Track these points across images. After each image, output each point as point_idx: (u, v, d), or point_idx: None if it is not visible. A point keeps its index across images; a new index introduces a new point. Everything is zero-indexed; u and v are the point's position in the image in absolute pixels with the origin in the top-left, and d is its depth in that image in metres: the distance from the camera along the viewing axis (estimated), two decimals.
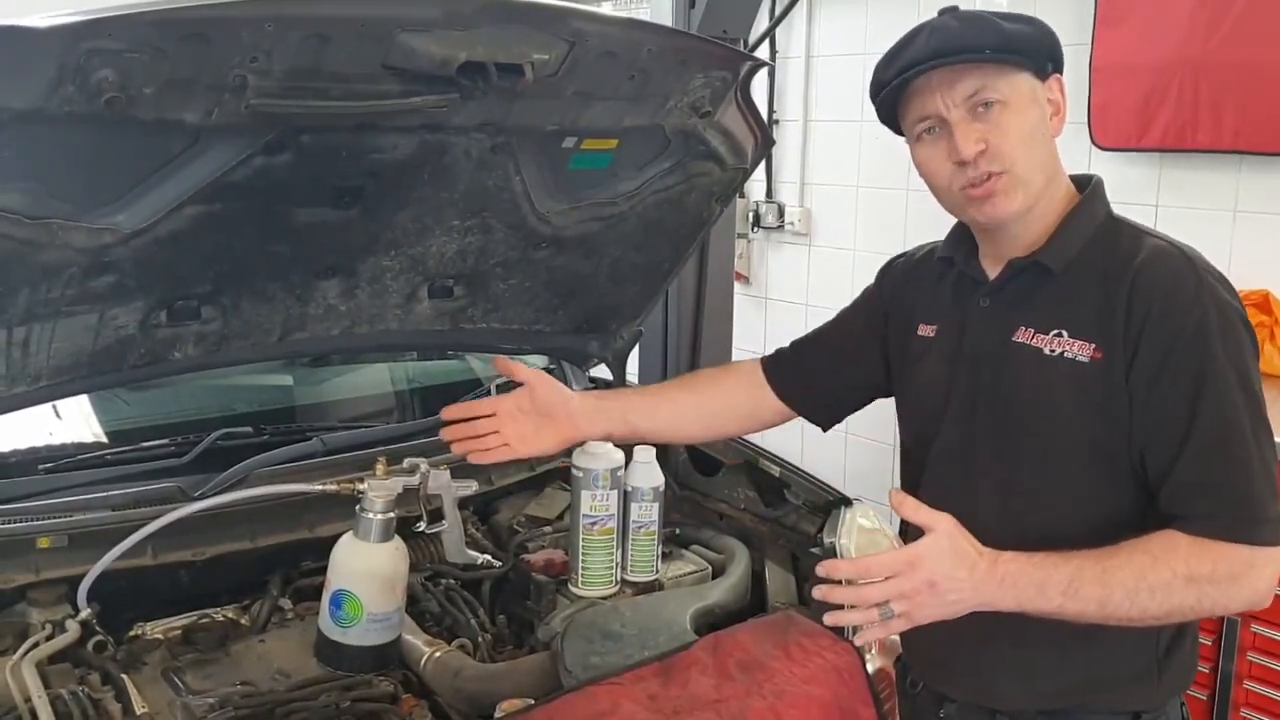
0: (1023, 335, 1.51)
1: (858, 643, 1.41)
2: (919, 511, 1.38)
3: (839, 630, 1.96)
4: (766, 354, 1.90)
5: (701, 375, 1.95)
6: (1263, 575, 1.38)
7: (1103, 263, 1.47)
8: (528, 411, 1.80)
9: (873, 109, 1.56)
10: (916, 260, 1.76)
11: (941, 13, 1.49)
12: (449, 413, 1.82)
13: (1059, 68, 1.51)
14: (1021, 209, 1.49)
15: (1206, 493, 1.39)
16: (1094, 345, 1.44)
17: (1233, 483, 1.38)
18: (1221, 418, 1.39)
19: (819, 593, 1.37)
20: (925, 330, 1.67)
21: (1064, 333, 1.47)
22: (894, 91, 1.49)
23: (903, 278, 1.76)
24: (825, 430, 1.89)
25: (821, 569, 1.38)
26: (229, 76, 1.53)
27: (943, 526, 1.36)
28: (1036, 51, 1.47)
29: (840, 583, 1.38)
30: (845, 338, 1.82)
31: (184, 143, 1.64)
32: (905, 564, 1.34)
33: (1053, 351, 1.47)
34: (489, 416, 1.79)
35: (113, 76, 1.44)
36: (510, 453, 1.79)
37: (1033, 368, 1.49)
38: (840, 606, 1.37)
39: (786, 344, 1.90)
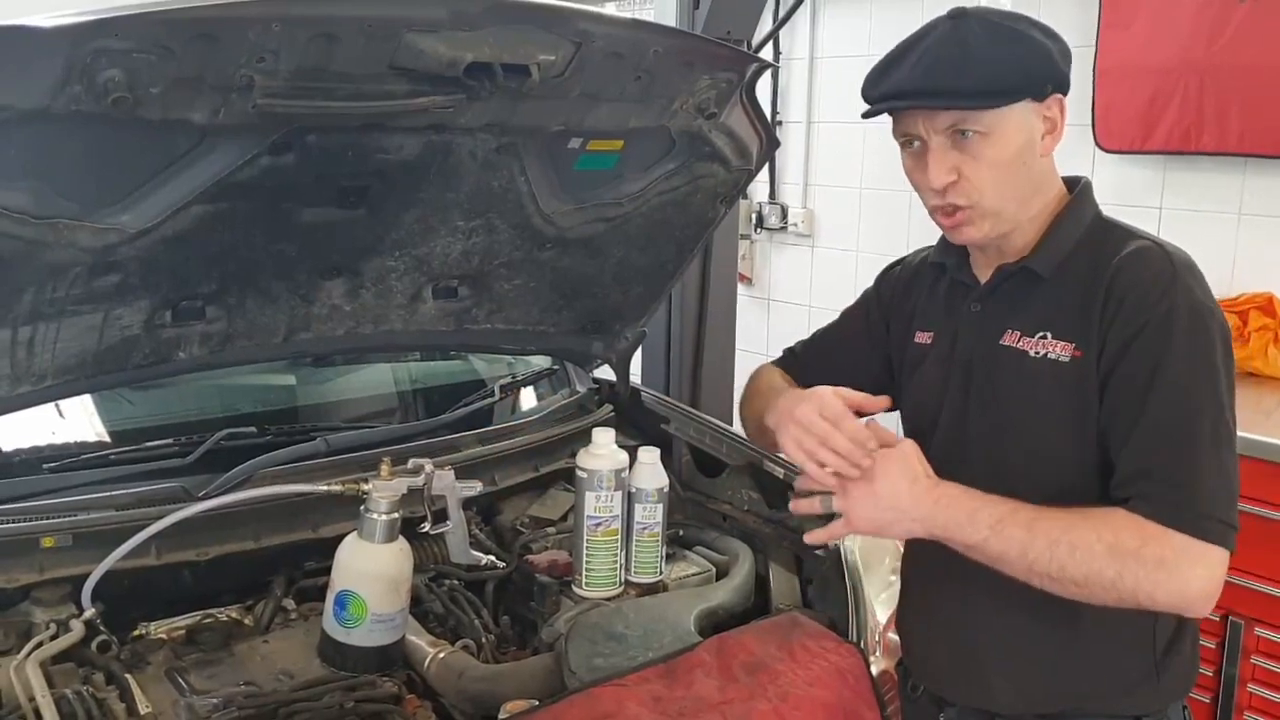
0: (1010, 339, 1.52)
1: (807, 540, 1.55)
2: (883, 433, 1.48)
3: (842, 632, 1.97)
4: (778, 358, 1.89)
5: (779, 380, 1.86)
6: (1195, 571, 1.34)
7: (1088, 265, 1.48)
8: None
9: None
10: (913, 267, 1.76)
11: (952, 15, 1.47)
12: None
13: (1060, 87, 1.49)
14: (989, 236, 1.51)
15: (1148, 477, 1.38)
16: (1074, 345, 1.45)
17: (1176, 471, 1.37)
18: (1174, 409, 1.38)
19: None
20: (922, 337, 1.68)
21: (1048, 334, 1.48)
22: (873, 113, 1.51)
23: (901, 286, 1.76)
24: None
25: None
26: (236, 76, 1.53)
27: (904, 446, 1.47)
28: (1027, 83, 1.45)
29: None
30: (848, 349, 1.82)
31: (190, 142, 1.64)
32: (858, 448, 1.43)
33: (1037, 353, 1.49)
34: None
35: (120, 76, 1.44)
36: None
37: (1018, 370, 1.50)
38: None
39: (791, 354, 1.90)
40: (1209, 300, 1.44)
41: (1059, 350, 1.46)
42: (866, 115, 1.53)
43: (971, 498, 1.41)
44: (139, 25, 1.43)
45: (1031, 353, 1.49)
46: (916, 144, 1.49)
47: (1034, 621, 1.49)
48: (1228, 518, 1.36)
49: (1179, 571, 1.34)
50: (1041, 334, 1.49)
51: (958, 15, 1.47)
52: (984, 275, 1.59)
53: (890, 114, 1.51)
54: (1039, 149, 1.49)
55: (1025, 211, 1.51)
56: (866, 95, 1.51)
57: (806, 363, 1.86)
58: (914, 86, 1.43)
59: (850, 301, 1.88)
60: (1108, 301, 1.43)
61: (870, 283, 1.85)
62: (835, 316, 1.90)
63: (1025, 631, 1.50)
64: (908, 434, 1.71)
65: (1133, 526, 1.35)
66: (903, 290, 1.75)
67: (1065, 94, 1.50)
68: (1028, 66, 1.45)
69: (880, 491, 1.42)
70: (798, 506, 1.55)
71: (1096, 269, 1.46)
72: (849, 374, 1.78)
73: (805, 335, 1.94)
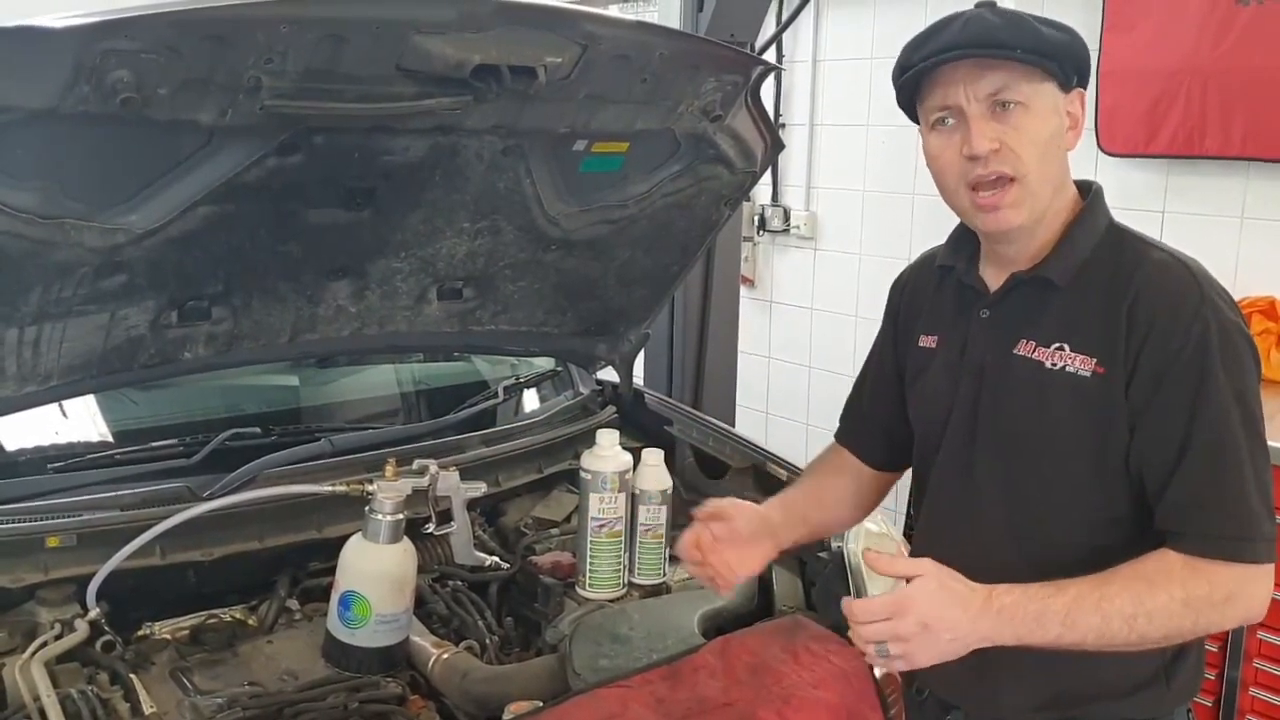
0: (1024, 348, 1.50)
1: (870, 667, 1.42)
2: (895, 564, 1.40)
3: (845, 636, 1.96)
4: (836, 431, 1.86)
5: (828, 462, 1.87)
6: (1256, 593, 1.38)
7: (1105, 276, 1.47)
8: (727, 541, 1.68)
9: (880, 113, 1.56)
10: (917, 269, 1.75)
11: (979, 5, 1.47)
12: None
13: (1083, 82, 1.50)
14: (1027, 222, 1.48)
15: (1201, 510, 1.38)
16: (1095, 360, 1.43)
17: (1227, 501, 1.38)
18: (1218, 436, 1.38)
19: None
20: (926, 341, 1.66)
21: (1065, 346, 1.46)
22: (918, 76, 1.47)
23: (908, 292, 1.75)
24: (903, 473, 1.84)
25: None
26: (244, 77, 1.54)
27: (926, 569, 1.36)
28: (1067, 61, 1.46)
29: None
30: (882, 376, 1.79)
31: (197, 143, 1.64)
32: (894, 608, 1.34)
33: (1054, 365, 1.47)
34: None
35: (128, 77, 1.45)
36: (723, 585, 1.70)
37: (1033, 380, 1.48)
38: None
39: (844, 412, 1.87)
40: (1236, 315, 1.44)
41: (1078, 364, 1.45)
42: (901, 89, 1.51)
43: (1029, 599, 1.36)
44: (148, 26, 1.43)
45: (1048, 364, 1.47)
46: (950, 120, 1.47)
47: None
48: (1272, 533, 1.39)
49: (1244, 599, 1.38)
50: (1058, 345, 1.47)
51: (987, 4, 1.48)
52: (993, 280, 1.57)
53: (924, 88, 1.48)
54: (1065, 141, 1.50)
55: (1055, 202, 1.50)
56: (908, 60, 1.48)
57: (856, 406, 1.84)
58: (968, 40, 1.42)
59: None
60: (1134, 320, 1.41)
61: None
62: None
63: None
64: (916, 438, 1.70)
65: (1196, 573, 1.36)
66: (909, 296, 1.74)
67: (1085, 89, 1.51)
68: (1068, 47, 1.46)
69: (936, 629, 1.33)
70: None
71: (1115, 282, 1.45)
72: (891, 400, 1.76)
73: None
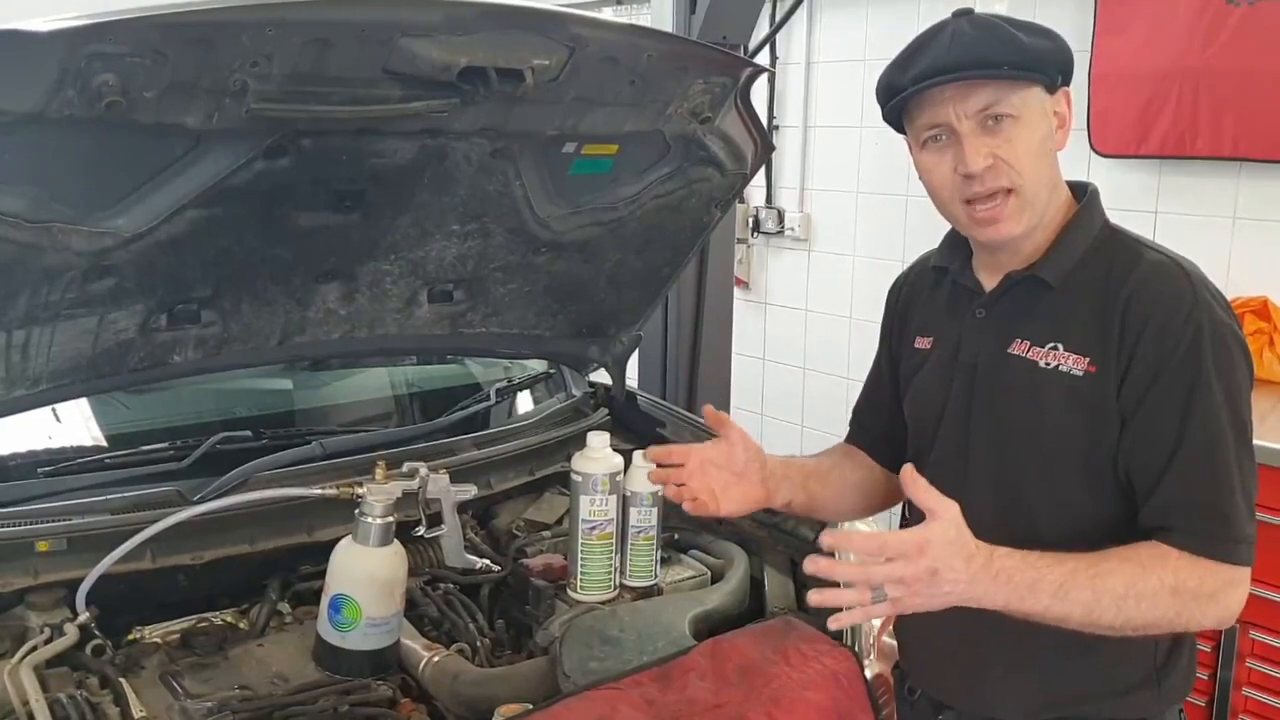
0: (1019, 348, 1.51)
1: (832, 626, 1.35)
2: (928, 494, 1.33)
3: (837, 634, 1.96)
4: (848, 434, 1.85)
5: (840, 448, 1.85)
6: (1236, 595, 1.39)
7: (1100, 276, 1.47)
8: (721, 466, 1.65)
9: (873, 114, 1.55)
10: (913, 273, 1.76)
11: (957, 15, 1.47)
12: (653, 454, 1.70)
13: (1067, 81, 1.50)
14: (1025, 230, 1.48)
15: (1189, 511, 1.39)
16: (1089, 359, 1.44)
17: (1215, 503, 1.39)
18: (1207, 439, 1.39)
19: (812, 565, 1.31)
20: (921, 342, 1.67)
21: (1059, 346, 1.47)
22: (906, 97, 1.47)
23: (905, 296, 1.75)
24: None
25: (827, 539, 1.34)
26: (230, 81, 1.54)
27: (951, 514, 1.32)
28: (1051, 67, 1.46)
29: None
30: (884, 380, 1.80)
31: (184, 146, 1.65)
32: (915, 547, 1.29)
33: (1048, 364, 1.47)
34: (678, 466, 1.64)
35: (114, 80, 1.45)
36: (699, 508, 1.64)
37: (1027, 379, 1.49)
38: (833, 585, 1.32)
39: (852, 415, 1.87)
40: (1229, 317, 1.44)
41: (1071, 363, 1.45)
42: (891, 108, 1.50)
43: (1028, 567, 1.34)
44: (133, 30, 1.43)
45: (1042, 363, 1.48)
46: (942, 137, 1.46)
47: (1039, 628, 1.49)
48: (1254, 537, 1.40)
49: (1224, 599, 1.38)
50: (1052, 345, 1.47)
51: (965, 13, 1.48)
52: (988, 281, 1.57)
53: (912, 107, 1.48)
54: (1055, 142, 1.50)
55: (1051, 204, 1.50)
56: (894, 82, 1.48)
57: (861, 410, 1.85)
58: (953, 61, 1.42)
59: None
60: (1127, 321, 1.41)
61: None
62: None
63: (1030, 638, 1.49)
64: (910, 437, 1.70)
65: (1186, 565, 1.37)
66: (906, 300, 1.74)
67: (1069, 87, 1.51)
68: (1050, 53, 1.46)
69: (941, 577, 1.29)
70: (828, 599, 1.32)
71: (1110, 282, 1.45)
72: (892, 405, 1.76)
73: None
